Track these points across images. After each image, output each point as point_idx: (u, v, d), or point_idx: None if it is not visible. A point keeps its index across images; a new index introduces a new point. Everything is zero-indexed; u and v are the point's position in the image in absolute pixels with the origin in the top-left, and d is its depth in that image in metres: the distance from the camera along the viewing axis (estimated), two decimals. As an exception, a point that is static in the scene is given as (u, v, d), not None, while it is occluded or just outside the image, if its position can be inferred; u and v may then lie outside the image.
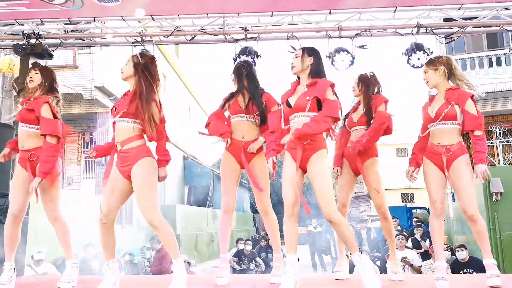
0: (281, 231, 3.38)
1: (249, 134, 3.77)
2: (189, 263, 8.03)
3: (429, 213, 17.08)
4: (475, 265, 6.50)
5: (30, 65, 5.08)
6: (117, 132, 3.30)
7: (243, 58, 4.81)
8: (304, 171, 3.30)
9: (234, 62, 4.90)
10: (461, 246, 6.86)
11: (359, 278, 3.26)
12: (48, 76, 3.77)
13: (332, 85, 3.29)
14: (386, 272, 4.16)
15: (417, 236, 9.52)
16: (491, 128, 13.08)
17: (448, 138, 3.43)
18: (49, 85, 3.75)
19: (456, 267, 6.71)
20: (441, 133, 3.46)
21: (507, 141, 12.93)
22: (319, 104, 3.25)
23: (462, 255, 6.73)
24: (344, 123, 4.03)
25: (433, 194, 3.43)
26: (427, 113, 3.56)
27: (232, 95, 3.86)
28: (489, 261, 3.36)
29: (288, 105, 3.35)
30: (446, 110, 3.43)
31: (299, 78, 3.46)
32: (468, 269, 6.58)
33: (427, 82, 3.60)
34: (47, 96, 3.65)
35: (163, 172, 3.33)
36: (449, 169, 3.39)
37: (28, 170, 3.57)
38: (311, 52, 3.43)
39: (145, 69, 3.30)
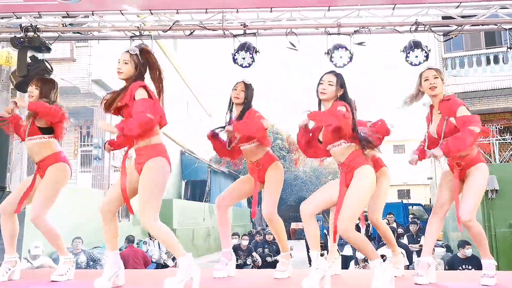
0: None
1: (254, 157, 3.82)
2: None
3: (424, 210, 17.15)
4: (475, 263, 6.49)
5: (28, 59, 5.12)
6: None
7: (241, 53, 4.84)
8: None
9: (233, 57, 4.90)
10: (467, 243, 6.76)
11: (351, 275, 3.27)
12: (48, 90, 3.78)
13: None
14: None
15: (413, 232, 9.57)
16: (487, 125, 13.11)
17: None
18: (47, 97, 3.75)
19: (456, 263, 6.72)
20: None
21: (503, 139, 12.97)
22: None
23: (468, 252, 6.63)
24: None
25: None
26: (429, 134, 3.50)
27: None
28: (487, 261, 3.35)
29: None
30: (444, 128, 3.36)
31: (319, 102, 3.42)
32: (467, 266, 6.57)
33: (435, 88, 3.43)
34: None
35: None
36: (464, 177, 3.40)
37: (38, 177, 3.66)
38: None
39: (146, 65, 3.28)
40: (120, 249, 9.02)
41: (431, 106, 3.58)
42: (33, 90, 3.76)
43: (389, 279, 3.12)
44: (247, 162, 3.91)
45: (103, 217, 3.20)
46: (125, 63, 3.26)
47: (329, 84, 3.33)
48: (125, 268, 3.42)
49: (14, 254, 3.67)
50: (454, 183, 3.38)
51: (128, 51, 3.30)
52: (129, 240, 8.67)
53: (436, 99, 3.48)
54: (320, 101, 3.39)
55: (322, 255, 3.29)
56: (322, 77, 3.40)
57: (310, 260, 13.62)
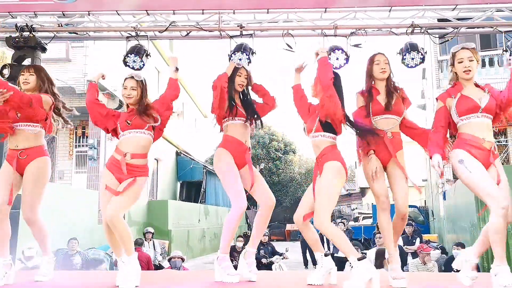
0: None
1: (248, 139, 3.86)
2: (182, 259, 8.02)
3: (420, 212, 17.18)
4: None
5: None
6: (129, 141, 3.50)
7: (238, 54, 4.83)
8: None
9: (229, 58, 4.89)
10: (462, 245, 6.71)
11: (347, 277, 3.24)
12: (44, 78, 3.80)
13: None
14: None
15: (408, 234, 9.61)
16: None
17: (490, 134, 3.19)
18: (48, 86, 3.82)
19: (451, 265, 6.71)
20: (484, 126, 3.20)
21: (498, 141, 13.04)
22: None
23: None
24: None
25: (497, 192, 2.98)
26: (471, 100, 3.21)
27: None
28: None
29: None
30: (492, 104, 3.23)
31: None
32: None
33: (469, 72, 3.26)
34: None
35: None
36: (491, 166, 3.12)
37: (13, 165, 3.58)
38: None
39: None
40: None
41: (459, 83, 3.37)
42: (28, 77, 3.71)
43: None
44: (234, 138, 3.78)
45: (110, 230, 3.37)
46: (133, 89, 3.52)
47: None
48: None
49: (8, 256, 3.60)
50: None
51: (133, 77, 3.55)
52: (138, 243, 8.61)
53: (470, 82, 3.35)
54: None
55: (326, 255, 3.33)
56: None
57: (305, 262, 13.68)
